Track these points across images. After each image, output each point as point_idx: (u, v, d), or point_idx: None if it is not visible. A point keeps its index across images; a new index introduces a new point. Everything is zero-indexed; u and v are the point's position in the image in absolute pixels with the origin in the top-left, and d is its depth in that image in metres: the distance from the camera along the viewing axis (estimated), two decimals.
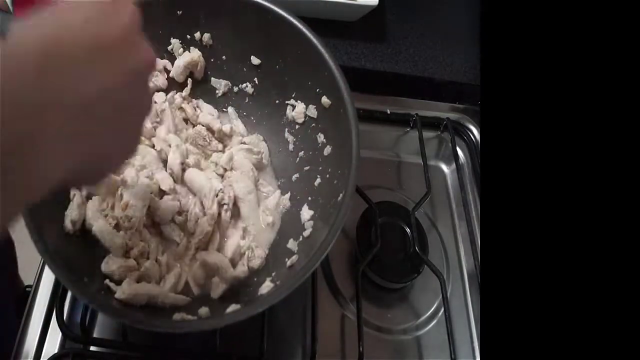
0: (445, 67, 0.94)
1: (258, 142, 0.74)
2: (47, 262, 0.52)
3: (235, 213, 0.69)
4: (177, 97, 0.75)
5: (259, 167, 0.73)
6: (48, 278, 0.67)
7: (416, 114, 0.87)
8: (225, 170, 0.71)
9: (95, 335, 0.65)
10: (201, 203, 0.67)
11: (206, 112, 0.75)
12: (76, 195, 0.63)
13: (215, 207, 0.66)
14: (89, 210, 0.63)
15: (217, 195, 0.67)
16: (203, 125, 0.74)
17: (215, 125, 0.74)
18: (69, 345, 0.63)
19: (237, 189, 0.69)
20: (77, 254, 0.59)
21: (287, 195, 0.70)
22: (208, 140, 0.74)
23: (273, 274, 0.63)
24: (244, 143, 0.74)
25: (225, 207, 0.67)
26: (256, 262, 0.64)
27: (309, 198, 0.68)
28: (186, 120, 0.75)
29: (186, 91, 0.76)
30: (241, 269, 0.63)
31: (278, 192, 0.71)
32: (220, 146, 0.74)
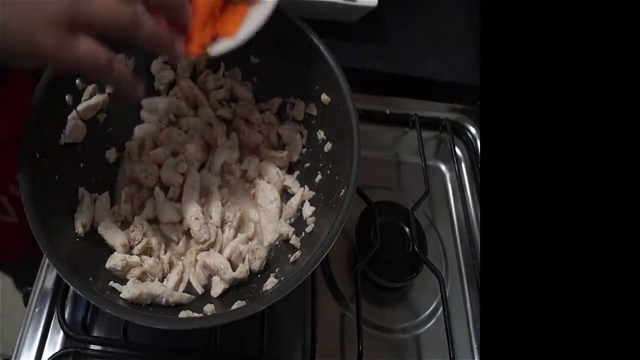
0: (444, 68, 0.95)
1: (291, 133, 0.73)
2: (54, 265, 0.52)
3: (246, 217, 0.70)
4: (210, 79, 0.75)
5: (285, 165, 0.73)
6: (49, 277, 0.67)
7: (415, 114, 0.87)
8: (254, 178, 0.72)
9: (96, 334, 0.65)
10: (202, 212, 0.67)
11: (243, 103, 0.75)
12: (85, 197, 0.63)
13: (218, 220, 0.67)
14: (97, 211, 0.64)
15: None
16: (241, 119, 0.74)
17: (254, 117, 0.74)
18: (70, 344, 0.63)
19: (261, 200, 0.69)
20: (82, 254, 0.60)
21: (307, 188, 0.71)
22: (247, 133, 0.74)
23: (277, 269, 0.63)
24: (278, 134, 0.74)
25: (229, 224, 0.68)
26: (257, 264, 0.64)
27: (311, 194, 0.69)
28: (220, 101, 0.76)
29: (219, 74, 0.75)
30: (241, 270, 0.63)
31: (301, 189, 0.71)
32: (260, 137, 0.74)
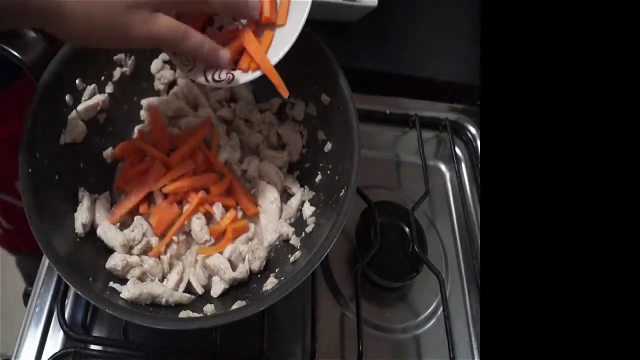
0: (444, 68, 0.95)
1: (291, 133, 0.74)
2: (54, 265, 0.52)
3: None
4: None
5: (285, 165, 0.73)
6: (49, 277, 0.67)
7: (415, 114, 0.87)
8: (254, 178, 0.72)
9: (96, 334, 0.65)
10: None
11: (243, 104, 0.75)
12: (85, 197, 0.63)
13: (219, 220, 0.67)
14: (97, 211, 0.64)
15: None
16: (241, 119, 0.75)
17: (253, 117, 0.74)
18: (70, 344, 0.63)
19: (261, 201, 0.70)
20: (82, 254, 0.60)
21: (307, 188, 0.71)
22: (247, 133, 0.74)
23: (277, 270, 0.63)
24: (278, 134, 0.74)
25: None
26: (257, 264, 0.64)
27: (311, 194, 0.69)
28: (220, 101, 0.76)
29: None
30: (241, 270, 0.63)
31: (301, 189, 0.71)
32: (260, 138, 0.74)
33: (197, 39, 0.54)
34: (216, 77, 0.59)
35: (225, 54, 0.56)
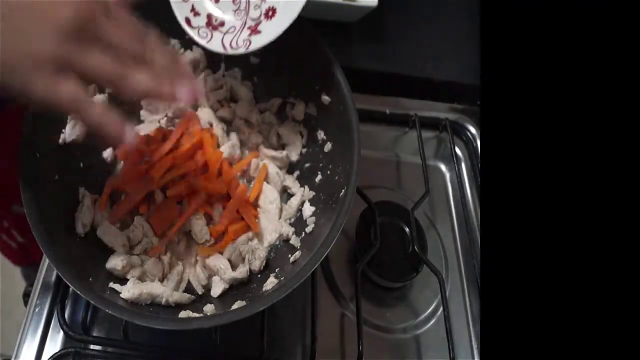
0: (444, 68, 0.95)
1: (291, 133, 0.73)
2: (54, 265, 0.52)
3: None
4: (209, 79, 0.75)
5: (285, 165, 0.73)
6: (50, 277, 0.67)
7: (415, 114, 0.87)
8: (253, 178, 0.72)
9: (96, 334, 0.65)
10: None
11: (243, 104, 0.75)
12: (85, 197, 0.63)
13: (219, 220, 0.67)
14: (97, 211, 0.64)
15: None
16: (241, 119, 0.75)
17: (253, 117, 0.74)
18: (70, 344, 0.63)
19: (261, 201, 0.69)
20: (82, 254, 0.60)
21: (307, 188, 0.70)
22: (247, 133, 0.74)
23: (277, 270, 0.63)
24: (278, 134, 0.74)
25: None
26: (257, 264, 0.64)
27: (311, 194, 0.69)
28: (220, 101, 0.76)
29: (219, 74, 0.76)
30: (241, 271, 0.63)
31: (301, 189, 0.70)
32: (260, 139, 0.74)
33: (97, 114, 0.47)
34: (233, 45, 0.61)
35: (130, 130, 0.49)
